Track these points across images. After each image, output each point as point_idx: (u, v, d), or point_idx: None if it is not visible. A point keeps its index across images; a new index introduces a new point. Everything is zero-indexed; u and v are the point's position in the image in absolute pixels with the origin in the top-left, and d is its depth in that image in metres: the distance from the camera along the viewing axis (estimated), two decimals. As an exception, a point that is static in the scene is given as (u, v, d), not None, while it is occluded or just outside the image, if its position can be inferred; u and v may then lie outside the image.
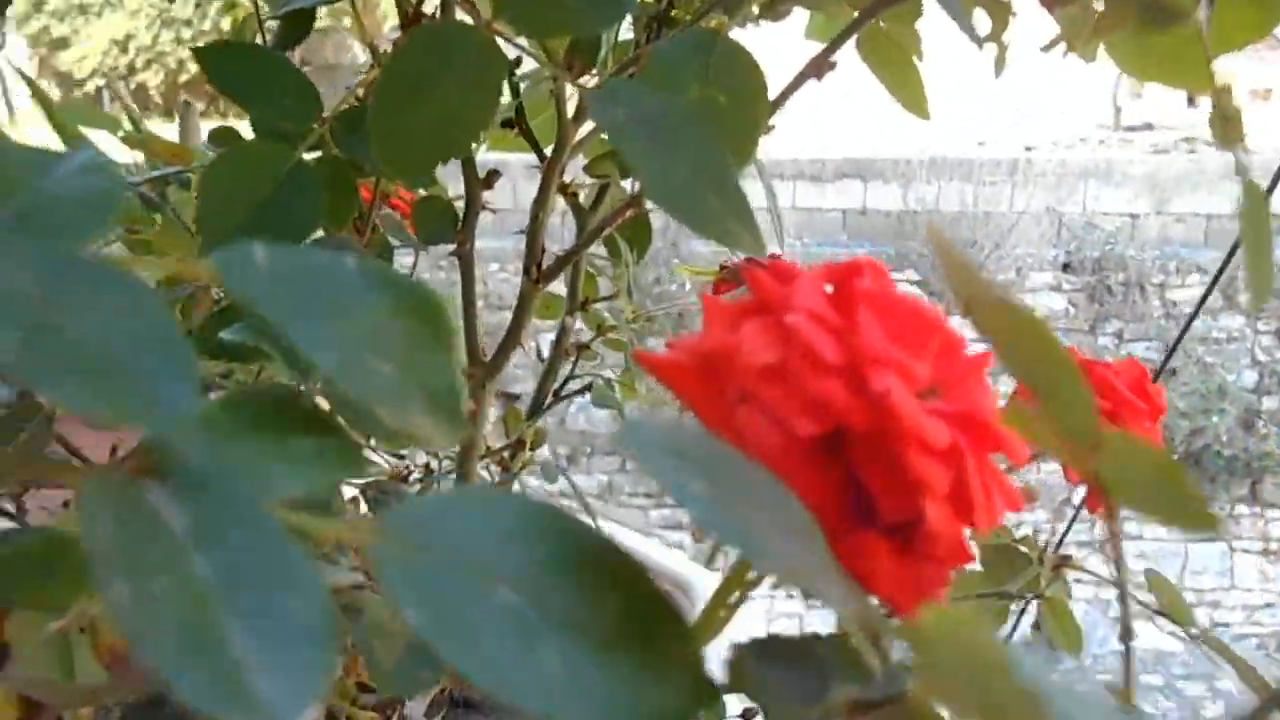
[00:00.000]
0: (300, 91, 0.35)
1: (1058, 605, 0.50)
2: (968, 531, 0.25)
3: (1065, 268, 4.88)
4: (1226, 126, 0.33)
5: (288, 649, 0.13)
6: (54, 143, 0.49)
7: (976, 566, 0.55)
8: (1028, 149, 5.00)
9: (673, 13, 0.55)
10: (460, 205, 0.48)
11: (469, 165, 0.47)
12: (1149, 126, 6.34)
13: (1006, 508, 0.24)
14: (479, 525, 0.16)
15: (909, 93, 0.52)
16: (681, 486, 0.15)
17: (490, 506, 0.16)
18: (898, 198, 5.09)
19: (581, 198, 0.55)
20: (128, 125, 0.58)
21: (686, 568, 0.76)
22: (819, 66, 0.41)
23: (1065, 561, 0.50)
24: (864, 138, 5.63)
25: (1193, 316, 4.56)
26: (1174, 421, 4.48)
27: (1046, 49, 0.39)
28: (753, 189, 0.37)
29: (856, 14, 0.42)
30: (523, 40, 0.32)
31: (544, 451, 0.59)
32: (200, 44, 0.35)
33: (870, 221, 5.20)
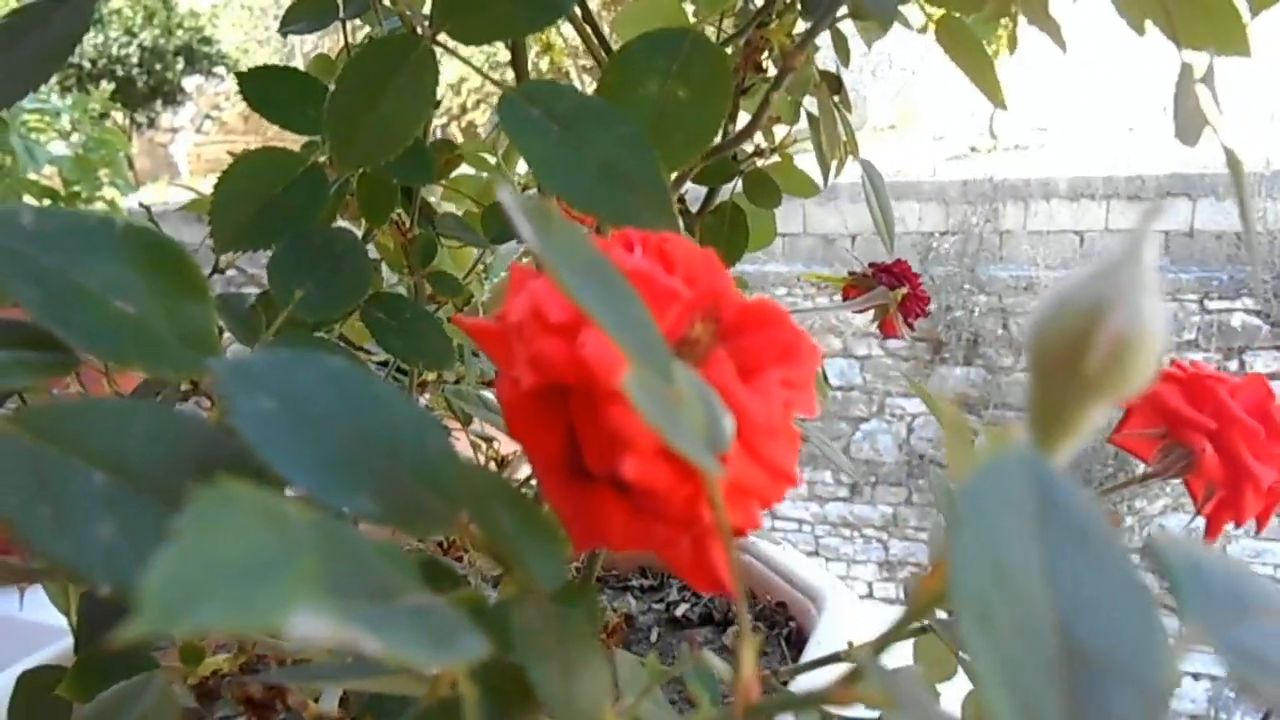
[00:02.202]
0: (319, 104, 0.41)
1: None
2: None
3: None
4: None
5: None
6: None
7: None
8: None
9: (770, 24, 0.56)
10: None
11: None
12: None
13: (770, 479, 0.24)
14: (109, 424, 0.20)
15: (986, 81, 0.49)
16: (237, 399, 0.18)
17: (135, 410, 0.20)
18: (1232, 217, 4.50)
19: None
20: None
21: (819, 578, 0.76)
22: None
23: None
24: (1190, 151, 5.05)
25: None
26: None
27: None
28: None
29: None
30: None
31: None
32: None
33: (1199, 244, 4.65)
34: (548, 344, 0.23)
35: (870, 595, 4.87)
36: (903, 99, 6.72)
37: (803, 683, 0.50)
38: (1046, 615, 0.11)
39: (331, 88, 0.35)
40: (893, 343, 4.63)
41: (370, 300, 0.42)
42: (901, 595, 4.93)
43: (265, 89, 0.41)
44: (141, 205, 0.64)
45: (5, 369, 0.21)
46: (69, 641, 0.54)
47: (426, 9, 0.39)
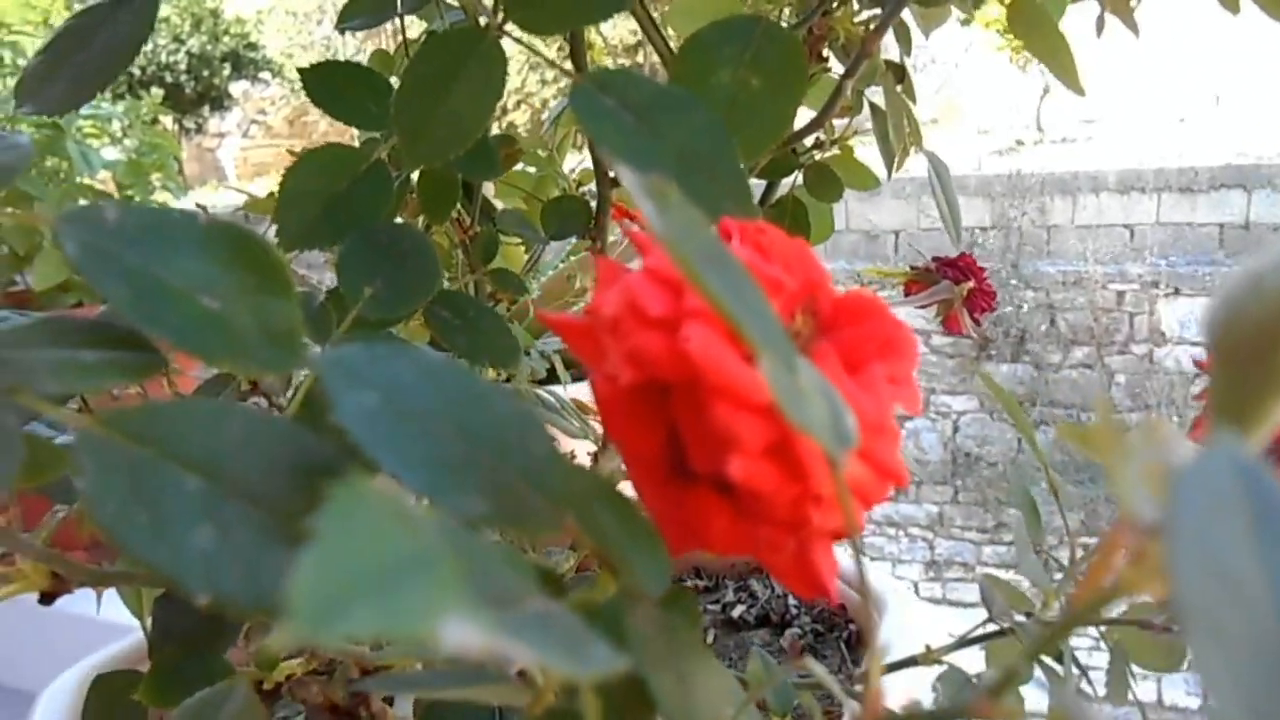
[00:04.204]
0: (383, 99, 0.40)
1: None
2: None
3: None
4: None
5: None
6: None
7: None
8: None
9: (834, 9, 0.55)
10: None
11: (599, 165, 0.50)
12: None
13: (878, 478, 0.23)
14: (202, 426, 0.19)
15: (1060, 64, 0.48)
16: (341, 395, 0.17)
17: (225, 413, 0.19)
18: (1290, 208, 4.40)
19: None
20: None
21: (880, 580, 0.74)
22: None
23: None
24: (1246, 141, 4.94)
25: None
26: None
27: None
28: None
29: None
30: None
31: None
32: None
33: (1255, 237, 4.53)
34: (647, 339, 0.22)
35: (915, 595, 4.81)
36: (946, 93, 6.64)
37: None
38: (1274, 626, 0.10)
39: (397, 83, 0.35)
40: (938, 339, 4.58)
41: (435, 299, 0.41)
42: (946, 595, 4.87)
43: (328, 85, 0.40)
44: (199, 206, 0.64)
45: (98, 370, 0.20)
46: (137, 637, 0.54)
47: (488, 1, 0.39)
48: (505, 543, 0.16)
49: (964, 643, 0.44)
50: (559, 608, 0.15)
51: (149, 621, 0.32)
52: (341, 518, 0.11)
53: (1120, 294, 4.59)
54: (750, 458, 0.21)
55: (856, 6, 0.54)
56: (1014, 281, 4.77)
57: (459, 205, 0.46)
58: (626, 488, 0.25)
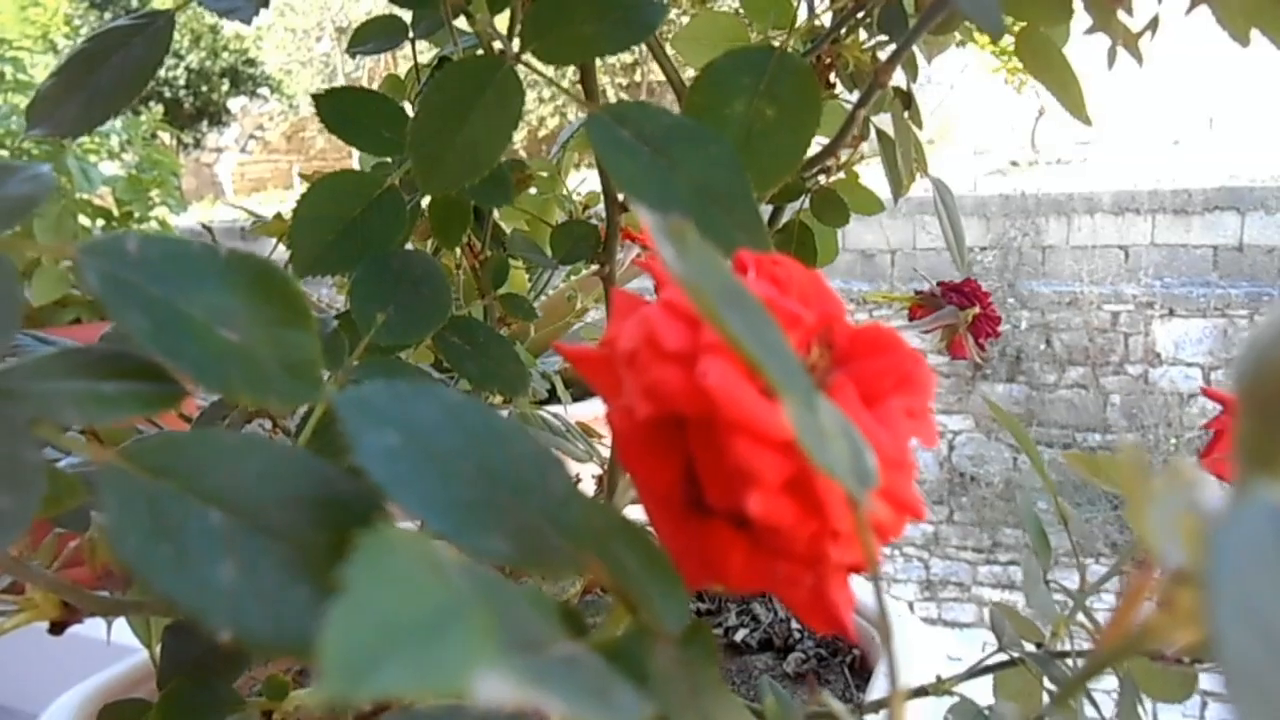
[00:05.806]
0: (396, 125, 0.41)
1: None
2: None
3: None
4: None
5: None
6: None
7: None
8: None
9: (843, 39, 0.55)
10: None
11: (609, 189, 0.50)
12: None
13: (896, 513, 0.23)
14: (224, 459, 0.19)
15: (1069, 96, 0.48)
16: (362, 435, 0.17)
17: (246, 445, 0.19)
18: (1284, 230, 4.42)
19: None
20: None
21: (891, 608, 0.74)
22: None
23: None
24: (1239, 164, 4.97)
25: None
26: None
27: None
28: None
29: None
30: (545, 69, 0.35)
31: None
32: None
33: (1248, 259, 4.55)
34: (665, 373, 0.22)
35: (911, 614, 4.79)
36: (941, 114, 6.68)
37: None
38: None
39: (413, 111, 0.35)
40: (934, 359, 4.58)
41: (445, 324, 0.41)
42: (941, 615, 4.86)
43: (343, 111, 0.40)
44: (204, 226, 0.64)
45: (119, 401, 0.20)
46: (140, 658, 0.54)
47: (501, 28, 0.39)
48: (521, 579, 0.16)
49: (975, 673, 0.44)
50: (583, 650, 0.15)
51: (158, 650, 0.32)
52: (370, 567, 0.11)
53: (1115, 314, 4.60)
54: (769, 493, 0.21)
55: (864, 34, 0.54)
56: (1010, 301, 4.79)
57: (469, 230, 0.46)
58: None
